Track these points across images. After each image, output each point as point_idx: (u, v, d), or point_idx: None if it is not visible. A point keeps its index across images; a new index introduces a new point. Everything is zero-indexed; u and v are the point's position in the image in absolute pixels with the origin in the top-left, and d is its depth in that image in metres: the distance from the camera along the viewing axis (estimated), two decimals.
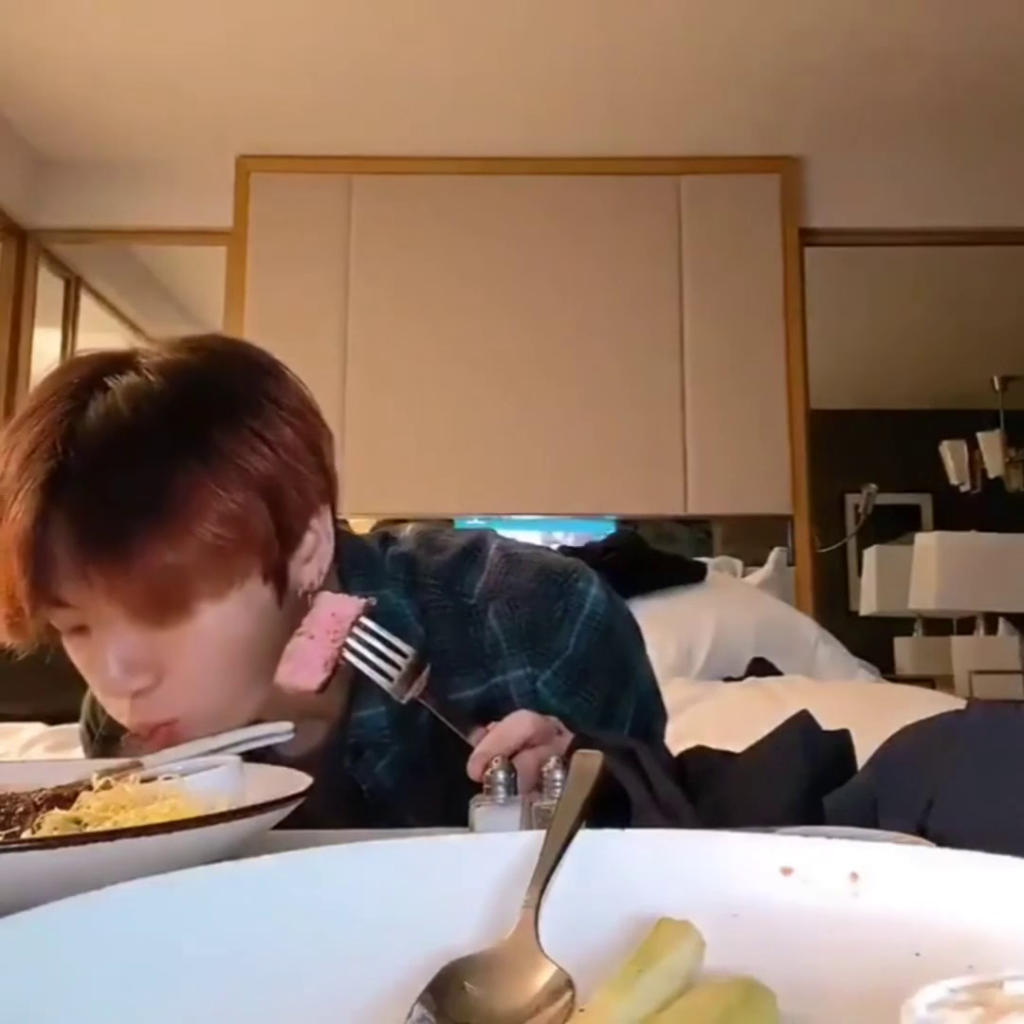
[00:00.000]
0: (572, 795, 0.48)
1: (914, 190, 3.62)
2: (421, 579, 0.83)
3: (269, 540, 0.72)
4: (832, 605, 3.94)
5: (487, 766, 0.62)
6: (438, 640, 0.79)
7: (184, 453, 0.69)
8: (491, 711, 0.74)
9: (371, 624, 0.72)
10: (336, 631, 0.72)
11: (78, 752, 1.73)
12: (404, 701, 0.71)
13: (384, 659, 0.72)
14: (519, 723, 0.68)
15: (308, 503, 0.75)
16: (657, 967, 0.35)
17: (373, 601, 0.73)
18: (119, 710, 0.73)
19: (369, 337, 3.51)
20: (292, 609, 0.74)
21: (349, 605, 0.73)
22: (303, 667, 0.71)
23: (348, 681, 0.80)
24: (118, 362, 0.73)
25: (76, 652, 0.73)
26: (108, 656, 0.69)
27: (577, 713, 0.77)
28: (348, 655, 0.72)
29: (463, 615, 0.81)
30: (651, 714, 0.87)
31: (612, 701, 0.82)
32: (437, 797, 0.73)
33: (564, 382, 3.49)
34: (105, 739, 0.89)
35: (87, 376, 0.71)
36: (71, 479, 0.67)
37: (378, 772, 0.81)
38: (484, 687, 0.79)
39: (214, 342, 0.79)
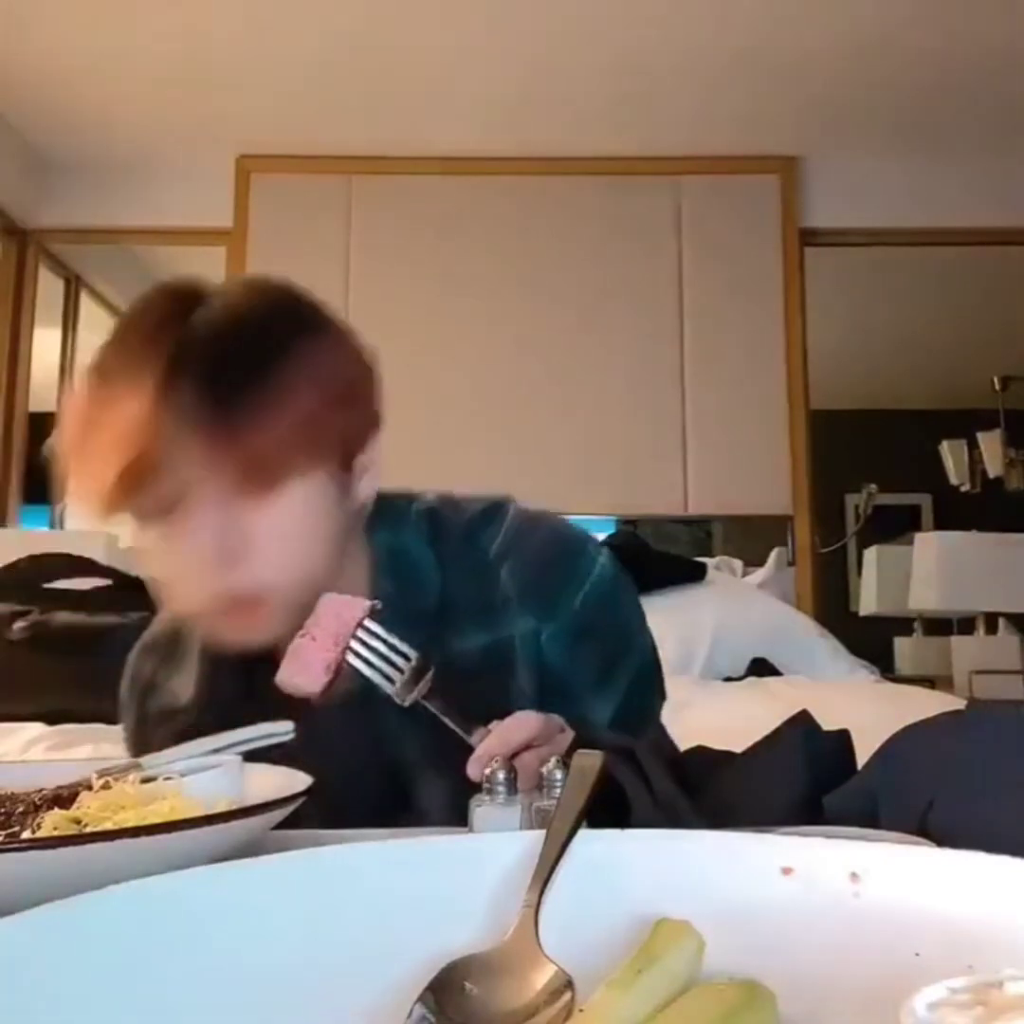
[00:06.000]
0: (572, 795, 0.48)
1: (914, 190, 3.62)
2: (443, 532, 0.87)
3: (347, 431, 0.80)
4: (832, 605, 3.94)
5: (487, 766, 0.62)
6: (454, 590, 0.83)
7: (292, 339, 0.77)
8: (497, 663, 0.79)
9: (375, 627, 0.72)
10: (339, 634, 0.72)
11: (78, 752, 1.73)
12: (406, 704, 0.71)
13: (388, 662, 0.72)
14: (522, 725, 0.69)
15: (370, 417, 0.82)
16: (657, 967, 0.35)
17: (378, 604, 0.74)
18: (202, 587, 0.75)
19: (368, 336, 3.50)
20: (348, 518, 0.80)
21: (353, 607, 0.73)
22: (305, 670, 0.72)
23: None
24: (203, 286, 0.80)
25: (162, 536, 0.75)
26: (205, 526, 0.73)
27: (575, 668, 0.82)
28: (351, 658, 0.72)
29: (479, 569, 0.84)
30: (649, 686, 0.89)
31: (609, 662, 0.85)
32: (449, 743, 0.75)
33: (564, 382, 3.49)
34: (146, 689, 0.91)
35: (187, 286, 0.78)
36: (193, 354, 0.72)
37: (390, 716, 0.82)
38: (492, 639, 0.82)
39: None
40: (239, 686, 0.84)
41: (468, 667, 0.80)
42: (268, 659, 0.78)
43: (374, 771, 0.80)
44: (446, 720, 0.72)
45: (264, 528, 0.74)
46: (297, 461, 0.75)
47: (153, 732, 0.88)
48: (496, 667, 0.79)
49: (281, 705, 0.73)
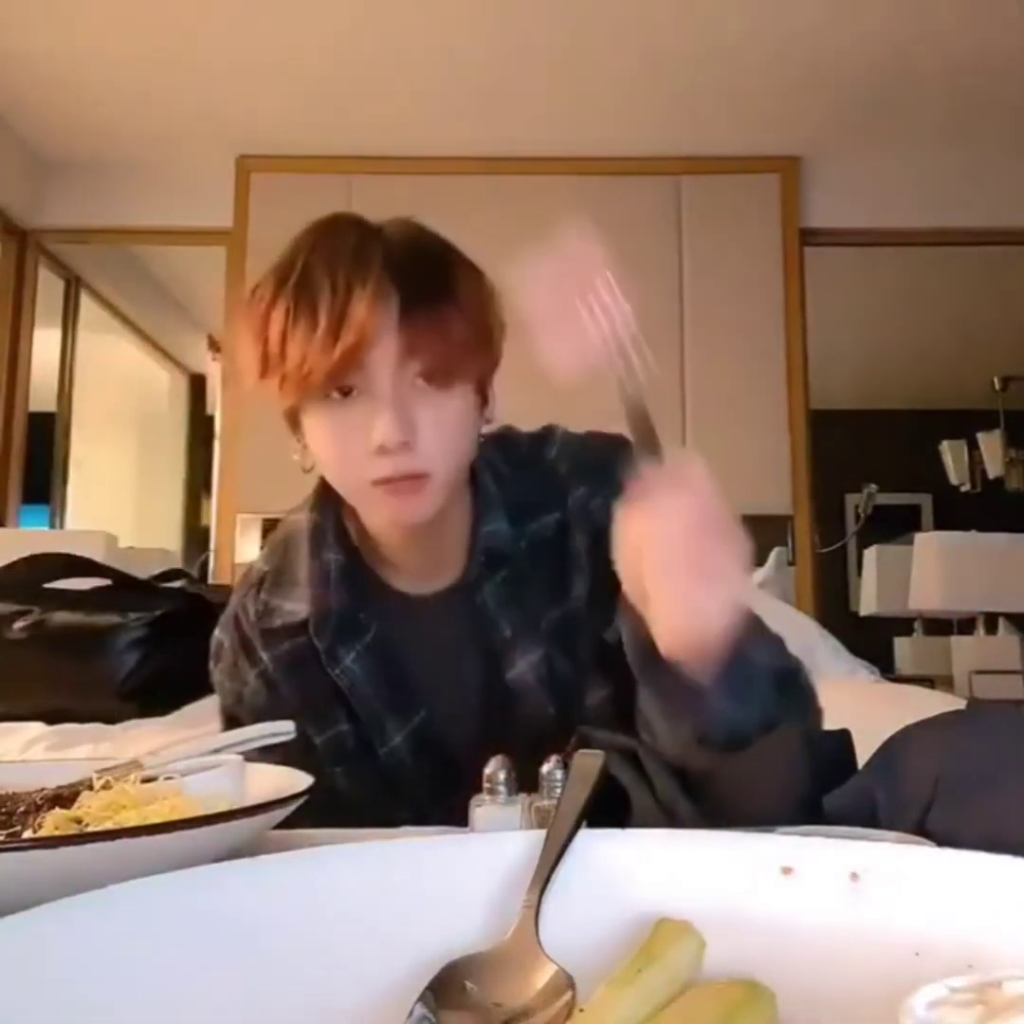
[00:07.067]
0: (572, 795, 0.48)
1: (914, 190, 3.62)
2: (511, 450, 1.05)
3: (491, 353, 0.93)
4: (832, 605, 3.94)
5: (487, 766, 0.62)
6: (528, 491, 1.00)
7: (460, 265, 0.92)
8: (562, 531, 0.97)
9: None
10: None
11: (78, 752, 1.73)
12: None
13: None
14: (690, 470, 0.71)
15: (499, 351, 0.95)
16: (657, 967, 0.35)
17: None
18: (374, 467, 0.85)
19: None
20: (478, 434, 0.95)
21: None
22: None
23: (471, 501, 0.98)
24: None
25: (336, 415, 0.86)
26: (386, 409, 0.84)
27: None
28: None
29: (543, 471, 1.02)
30: None
31: None
32: (537, 618, 0.94)
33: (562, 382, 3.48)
34: (260, 615, 0.99)
35: (359, 217, 0.93)
36: (399, 266, 0.86)
37: (487, 590, 0.96)
38: (559, 513, 0.99)
39: None
40: (352, 594, 0.96)
41: (547, 537, 0.98)
42: (370, 569, 0.97)
43: (472, 650, 0.94)
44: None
45: (431, 421, 0.86)
46: (469, 366, 0.89)
47: (272, 649, 0.97)
48: (562, 535, 0.97)
49: (388, 606, 0.95)
